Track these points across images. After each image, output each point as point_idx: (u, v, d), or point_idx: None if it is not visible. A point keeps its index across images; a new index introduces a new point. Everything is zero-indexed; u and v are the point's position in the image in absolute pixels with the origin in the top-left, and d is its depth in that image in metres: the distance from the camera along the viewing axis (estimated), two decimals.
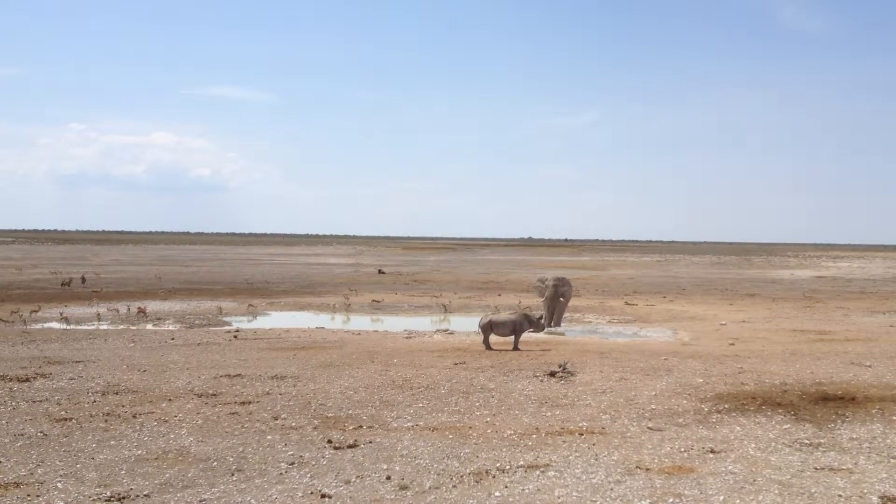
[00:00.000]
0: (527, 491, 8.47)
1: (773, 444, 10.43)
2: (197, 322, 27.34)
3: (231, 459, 9.69)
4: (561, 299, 26.88)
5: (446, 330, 25.04)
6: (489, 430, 11.16)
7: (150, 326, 25.81)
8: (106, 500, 8.18)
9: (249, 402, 12.90)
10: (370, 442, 10.51)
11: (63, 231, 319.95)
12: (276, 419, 11.77)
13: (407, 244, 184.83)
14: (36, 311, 28.20)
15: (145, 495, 8.35)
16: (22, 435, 10.75)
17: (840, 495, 8.29)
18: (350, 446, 10.27)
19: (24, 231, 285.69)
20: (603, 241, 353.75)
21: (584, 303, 34.89)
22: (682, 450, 10.13)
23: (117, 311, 29.74)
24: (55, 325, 25.69)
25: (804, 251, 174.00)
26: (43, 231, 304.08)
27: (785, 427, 11.32)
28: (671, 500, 8.16)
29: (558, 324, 26.49)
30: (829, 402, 12.86)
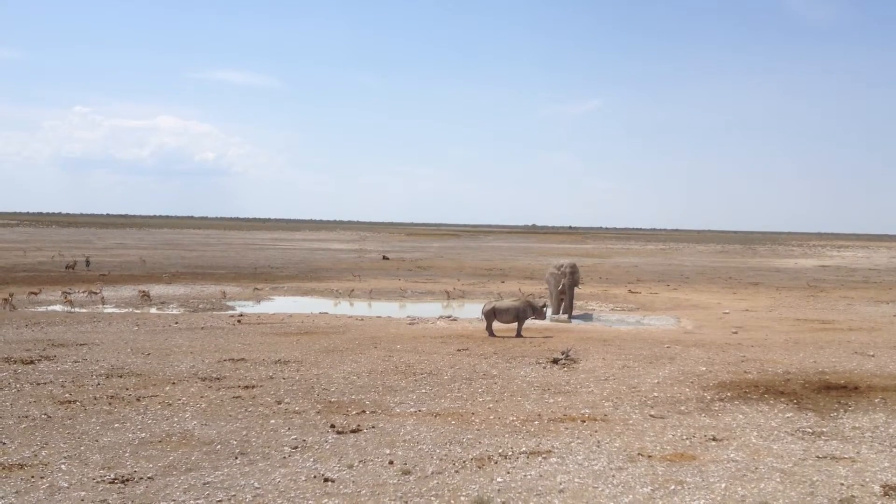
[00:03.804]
0: (529, 477, 8.49)
1: (776, 432, 10.44)
2: (201, 306, 27.40)
3: (235, 443, 9.72)
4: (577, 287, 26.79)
5: (449, 316, 25.06)
6: (492, 417, 11.18)
7: (153, 310, 25.87)
8: (110, 483, 8.21)
9: (253, 387, 12.93)
10: (373, 427, 10.53)
11: (67, 214, 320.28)
12: (279, 403, 11.80)
13: (410, 230, 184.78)
14: (36, 294, 28.41)
15: (149, 478, 8.39)
16: (26, 417, 10.79)
17: (842, 484, 8.29)
18: (353, 431, 10.29)
19: (28, 214, 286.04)
20: (607, 228, 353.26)
21: (588, 291, 34.86)
22: (685, 437, 10.14)
23: (107, 295, 29.81)
24: (58, 307, 25.75)
25: (808, 240, 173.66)
26: (47, 214, 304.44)
27: (787, 416, 11.33)
28: (673, 487, 8.17)
29: (571, 310, 26.17)
30: (832, 391, 12.85)
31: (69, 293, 28.72)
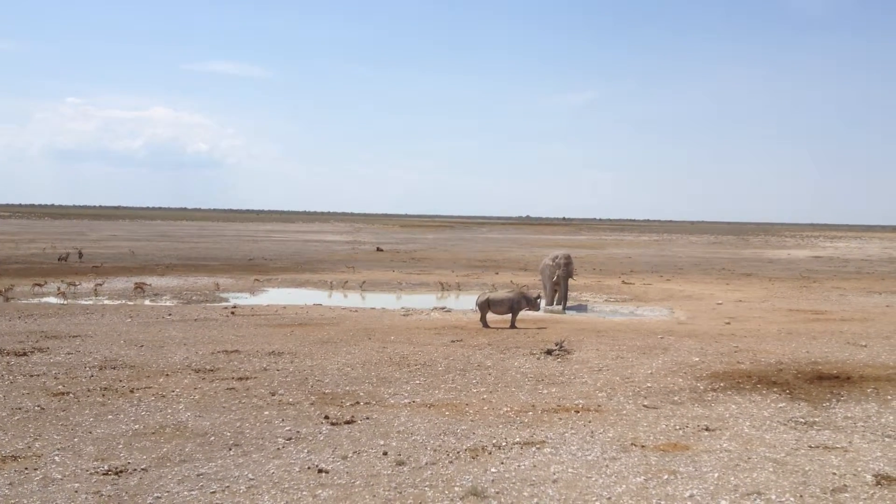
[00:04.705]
0: (523, 467, 8.51)
1: (768, 422, 10.48)
2: (194, 298, 27.34)
3: (228, 434, 9.72)
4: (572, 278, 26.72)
5: (444, 308, 25.06)
6: (486, 407, 11.20)
7: (147, 302, 25.81)
8: (104, 474, 8.20)
9: (247, 378, 12.92)
10: (367, 418, 10.54)
11: (60, 206, 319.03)
12: (273, 395, 11.80)
13: (405, 222, 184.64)
14: (41, 286, 28.50)
15: (143, 469, 8.38)
16: (19, 409, 10.77)
17: (834, 473, 8.33)
18: (347, 422, 10.30)
19: (20, 206, 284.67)
20: (601, 220, 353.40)
21: (582, 282, 34.88)
22: (678, 427, 10.18)
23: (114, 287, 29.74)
24: (52, 299, 25.68)
25: (801, 231, 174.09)
26: (40, 206, 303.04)
27: (780, 406, 11.37)
28: (666, 476, 8.20)
29: (565, 301, 26.05)
30: (825, 382, 12.90)
31: (75, 284, 28.94)
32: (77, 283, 29.80)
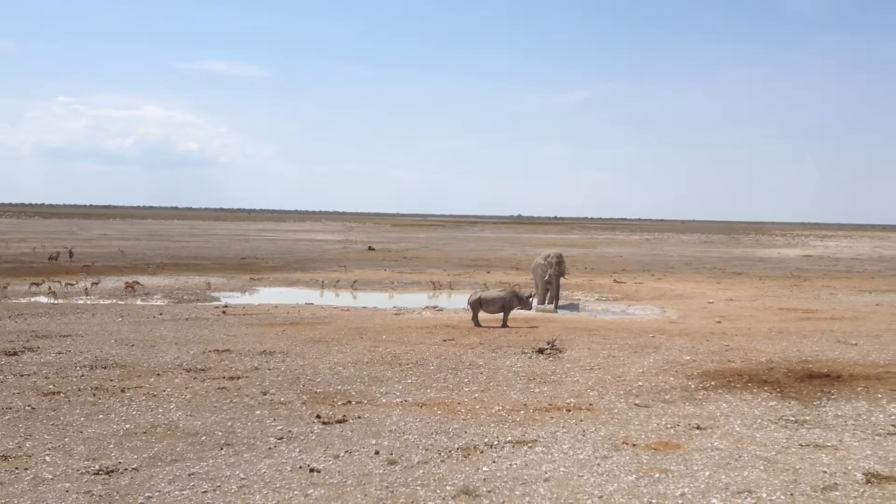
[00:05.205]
0: (514, 466, 8.52)
1: (759, 420, 10.52)
2: (185, 297, 27.25)
3: (220, 434, 9.69)
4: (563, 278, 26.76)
5: (435, 307, 25.06)
6: (477, 406, 11.21)
7: (138, 301, 25.71)
8: (94, 474, 8.17)
9: (238, 378, 12.89)
10: (359, 417, 10.53)
11: (50, 205, 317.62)
12: (264, 394, 11.78)
13: (396, 221, 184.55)
14: (38, 285, 28.50)
15: (134, 469, 8.36)
16: (10, 408, 10.71)
17: (825, 472, 8.37)
18: (339, 421, 10.29)
19: (10, 205, 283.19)
20: (592, 219, 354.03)
21: (573, 280, 34.93)
22: (669, 426, 10.21)
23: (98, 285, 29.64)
24: (42, 299, 25.56)
25: (792, 230, 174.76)
26: (30, 205, 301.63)
27: (771, 404, 11.42)
28: (657, 475, 8.22)
29: (557, 300, 26.10)
30: (815, 380, 12.96)
31: (72, 284, 28.99)
32: (74, 282, 29.76)
